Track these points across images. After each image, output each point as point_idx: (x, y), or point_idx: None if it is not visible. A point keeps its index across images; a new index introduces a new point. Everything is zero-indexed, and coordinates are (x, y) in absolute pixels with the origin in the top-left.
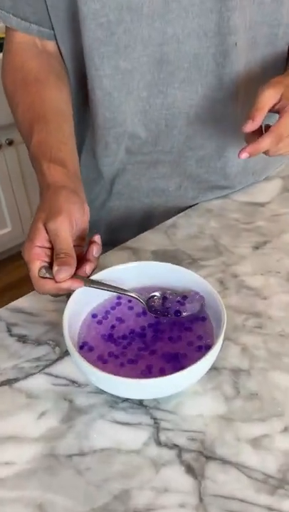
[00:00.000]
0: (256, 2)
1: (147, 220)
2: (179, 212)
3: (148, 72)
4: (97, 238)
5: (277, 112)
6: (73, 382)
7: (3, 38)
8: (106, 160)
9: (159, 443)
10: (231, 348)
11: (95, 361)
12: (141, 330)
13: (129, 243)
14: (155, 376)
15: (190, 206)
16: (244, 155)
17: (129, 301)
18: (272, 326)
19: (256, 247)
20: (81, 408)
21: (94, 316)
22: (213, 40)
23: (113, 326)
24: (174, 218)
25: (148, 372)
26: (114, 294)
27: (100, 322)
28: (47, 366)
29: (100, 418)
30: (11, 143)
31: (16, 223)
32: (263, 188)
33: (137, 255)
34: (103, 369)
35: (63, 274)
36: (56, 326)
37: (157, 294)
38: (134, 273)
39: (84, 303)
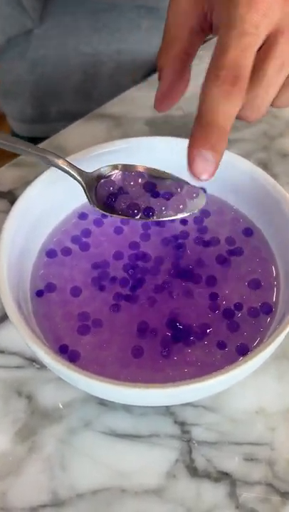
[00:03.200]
0: None
1: (91, 83)
2: (140, 74)
3: None
4: None
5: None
6: (32, 361)
7: None
8: None
9: (193, 470)
10: None
11: (67, 332)
12: (134, 261)
13: (108, 107)
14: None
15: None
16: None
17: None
18: None
19: None
20: (49, 410)
21: (50, 253)
22: None
23: (93, 264)
24: None
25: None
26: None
27: (66, 257)
28: None
29: (85, 428)
30: None
31: None
32: None
33: (122, 128)
34: (84, 350)
35: None
36: None
37: (117, 173)
38: (120, 160)
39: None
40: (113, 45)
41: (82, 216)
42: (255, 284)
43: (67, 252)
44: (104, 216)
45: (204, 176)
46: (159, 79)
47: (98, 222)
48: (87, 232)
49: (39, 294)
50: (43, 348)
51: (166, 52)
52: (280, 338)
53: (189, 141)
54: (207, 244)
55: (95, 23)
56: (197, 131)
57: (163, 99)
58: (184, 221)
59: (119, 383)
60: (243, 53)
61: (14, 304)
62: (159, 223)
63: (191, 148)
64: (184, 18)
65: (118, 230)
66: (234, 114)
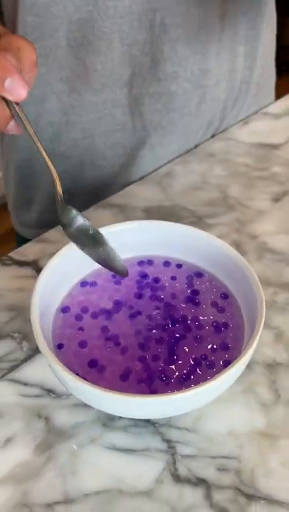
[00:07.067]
0: None
1: (103, 191)
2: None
3: None
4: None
5: None
6: (50, 391)
7: None
8: (33, 96)
9: (177, 478)
10: (262, 333)
11: (81, 367)
12: (137, 323)
13: (114, 199)
14: (167, 386)
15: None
16: None
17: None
18: None
19: (276, 199)
20: (63, 429)
21: (65, 309)
22: None
23: (104, 318)
24: (168, 165)
25: (152, 382)
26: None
27: (79, 317)
28: (12, 370)
29: (91, 443)
30: None
31: None
32: (274, 127)
33: (124, 214)
34: (94, 379)
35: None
36: (22, 311)
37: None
38: (124, 238)
39: (55, 285)
40: (121, 160)
41: (91, 283)
42: (226, 337)
43: (77, 312)
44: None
45: None
46: None
47: (100, 285)
48: (91, 298)
49: (59, 346)
50: (70, 373)
51: None
52: (233, 371)
53: None
54: (196, 303)
55: None
56: None
57: None
58: (175, 280)
59: (118, 393)
60: None
61: (47, 347)
62: (155, 282)
63: None
64: None
65: (117, 290)
66: None
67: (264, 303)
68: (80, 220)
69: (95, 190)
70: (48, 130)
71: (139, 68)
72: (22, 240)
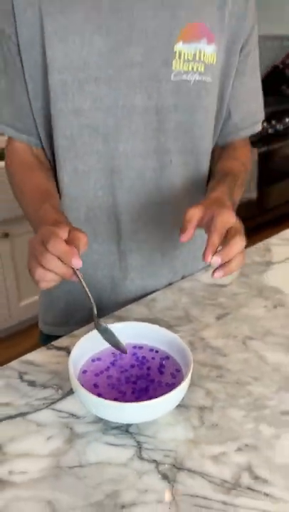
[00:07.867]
0: (188, 134)
1: (101, 306)
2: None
3: (102, 176)
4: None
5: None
6: (73, 415)
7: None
8: None
9: (141, 458)
10: (198, 391)
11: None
12: (126, 380)
13: (118, 313)
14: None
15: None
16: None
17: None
18: (230, 376)
19: (219, 318)
20: (80, 434)
21: (84, 371)
22: (154, 157)
23: (107, 377)
24: (154, 294)
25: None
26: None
27: (96, 374)
28: (52, 403)
29: (95, 441)
30: (6, 235)
31: (3, 313)
32: None
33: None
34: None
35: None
36: (59, 373)
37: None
38: (125, 331)
39: (81, 354)
40: (110, 286)
41: (98, 359)
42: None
43: (91, 372)
44: (114, 356)
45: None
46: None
47: (103, 359)
48: (98, 366)
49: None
50: (88, 393)
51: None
52: (166, 397)
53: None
54: (162, 373)
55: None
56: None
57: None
58: (154, 358)
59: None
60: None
61: (78, 384)
62: (142, 359)
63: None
64: None
65: (118, 363)
66: None
67: (190, 372)
68: (104, 326)
69: (96, 303)
70: None
71: (124, 241)
72: (43, 336)
